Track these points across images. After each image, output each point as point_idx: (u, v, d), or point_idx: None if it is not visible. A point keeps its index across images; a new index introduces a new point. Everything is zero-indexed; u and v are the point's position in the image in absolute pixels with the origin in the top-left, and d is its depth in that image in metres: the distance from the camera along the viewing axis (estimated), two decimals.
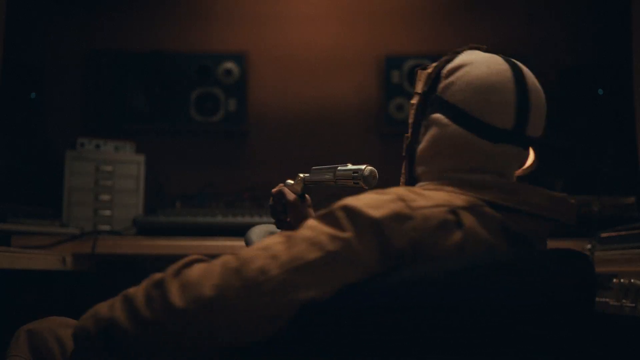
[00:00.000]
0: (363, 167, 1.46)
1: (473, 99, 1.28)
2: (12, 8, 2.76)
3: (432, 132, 1.32)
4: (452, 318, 1.08)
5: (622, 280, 1.80)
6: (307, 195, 1.66)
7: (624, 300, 1.78)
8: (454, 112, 1.29)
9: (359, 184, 1.45)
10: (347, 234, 1.10)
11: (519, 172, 1.37)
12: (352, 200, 1.14)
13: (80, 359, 1.17)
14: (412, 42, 3.45)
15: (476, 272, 1.10)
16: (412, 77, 3.48)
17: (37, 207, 2.74)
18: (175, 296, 1.09)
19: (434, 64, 1.38)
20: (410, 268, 1.10)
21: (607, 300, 1.85)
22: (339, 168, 1.50)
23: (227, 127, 3.34)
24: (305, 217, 1.62)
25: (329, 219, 1.13)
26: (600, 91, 3.15)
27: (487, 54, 1.36)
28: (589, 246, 2.09)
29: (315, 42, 3.46)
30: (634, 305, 1.74)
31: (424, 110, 1.35)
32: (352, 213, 1.11)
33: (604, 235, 2.06)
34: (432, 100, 1.33)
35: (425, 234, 1.12)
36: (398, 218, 1.11)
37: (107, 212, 2.83)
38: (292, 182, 1.67)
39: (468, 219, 1.16)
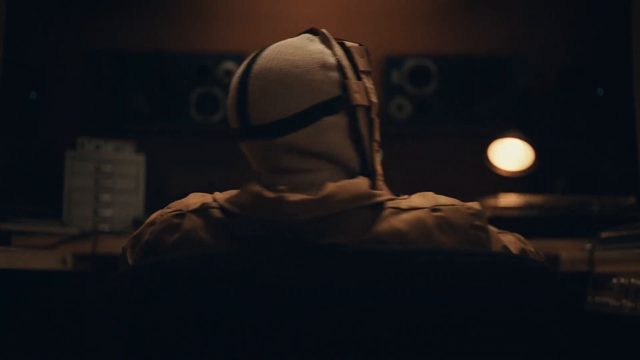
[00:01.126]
0: None
1: None
2: (12, 8, 2.76)
3: None
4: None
5: (622, 280, 1.80)
6: None
7: (624, 300, 1.78)
8: None
9: None
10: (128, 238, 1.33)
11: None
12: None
13: None
14: (412, 42, 3.45)
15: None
16: (412, 77, 3.50)
17: (37, 207, 2.74)
18: None
19: None
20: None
21: (607, 300, 1.85)
22: None
23: (227, 127, 3.34)
24: None
25: None
26: (600, 91, 3.15)
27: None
28: (589, 246, 2.09)
29: None
30: (634, 305, 1.74)
31: None
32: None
33: (604, 235, 2.06)
34: None
35: (154, 235, 1.24)
36: (149, 224, 1.27)
37: (107, 212, 2.83)
38: None
39: (191, 222, 1.22)
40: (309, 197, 1.13)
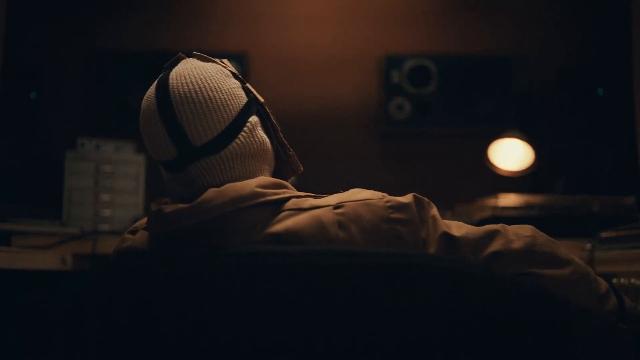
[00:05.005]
0: None
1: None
2: (12, 8, 2.76)
3: None
4: None
5: (622, 280, 1.80)
6: None
7: None
8: None
9: None
10: None
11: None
12: None
13: None
14: (412, 42, 3.45)
15: None
16: (412, 77, 3.50)
17: (37, 207, 2.74)
18: None
19: None
20: None
21: None
22: None
23: None
24: None
25: None
26: (600, 91, 3.15)
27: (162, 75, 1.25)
28: (589, 246, 2.09)
29: (315, 42, 3.46)
30: (634, 305, 1.74)
31: None
32: None
33: (604, 235, 2.06)
34: None
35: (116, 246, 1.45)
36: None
37: (107, 212, 2.83)
38: None
39: (132, 240, 1.34)
40: (184, 206, 1.15)
